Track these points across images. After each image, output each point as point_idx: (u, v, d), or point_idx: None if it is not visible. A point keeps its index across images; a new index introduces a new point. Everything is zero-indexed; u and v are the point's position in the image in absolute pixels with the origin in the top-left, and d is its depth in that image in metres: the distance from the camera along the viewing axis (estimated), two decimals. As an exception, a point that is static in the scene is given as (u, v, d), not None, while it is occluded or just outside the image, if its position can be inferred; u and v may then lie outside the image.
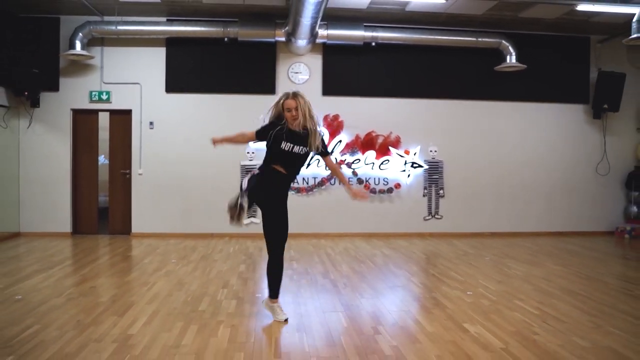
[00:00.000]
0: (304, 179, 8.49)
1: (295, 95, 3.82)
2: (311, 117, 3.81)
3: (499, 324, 3.96)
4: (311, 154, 3.92)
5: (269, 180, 3.85)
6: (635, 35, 6.73)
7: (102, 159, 9.28)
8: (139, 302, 4.49)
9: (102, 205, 8.93)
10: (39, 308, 4.28)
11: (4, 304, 4.39)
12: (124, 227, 8.53)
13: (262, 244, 7.56)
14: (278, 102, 3.87)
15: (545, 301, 4.64)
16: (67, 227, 8.39)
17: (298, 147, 3.80)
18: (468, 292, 4.94)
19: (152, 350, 3.36)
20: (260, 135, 3.91)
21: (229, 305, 4.44)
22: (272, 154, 3.84)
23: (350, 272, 5.84)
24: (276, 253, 3.96)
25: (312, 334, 3.71)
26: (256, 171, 3.92)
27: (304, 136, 3.81)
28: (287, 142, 3.77)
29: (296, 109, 3.77)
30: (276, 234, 3.93)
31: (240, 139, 4.15)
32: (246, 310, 4.33)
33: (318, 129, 3.89)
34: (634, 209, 8.97)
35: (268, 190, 3.87)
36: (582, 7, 7.06)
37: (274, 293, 4.06)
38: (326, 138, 8.52)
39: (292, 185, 4.39)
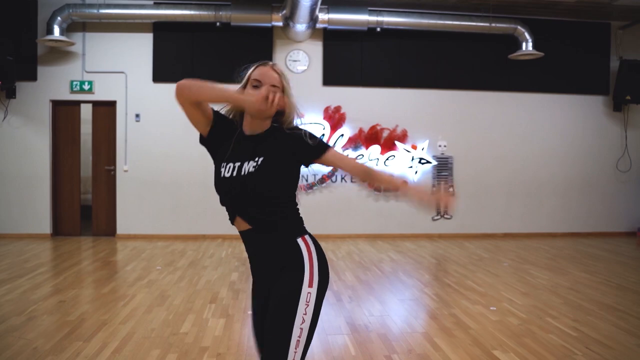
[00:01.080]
0: (302, 175, 7.88)
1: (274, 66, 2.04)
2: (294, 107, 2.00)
3: (535, 350, 3.34)
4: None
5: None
6: (669, 18, 6.11)
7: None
8: (112, 322, 3.87)
9: (85, 204, 8.32)
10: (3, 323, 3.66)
11: (-46, 324, 3.77)
12: (108, 228, 7.91)
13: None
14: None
15: (580, 319, 4.03)
16: (46, 228, 7.78)
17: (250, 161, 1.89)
18: (492, 308, 4.32)
19: (117, 390, 2.74)
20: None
21: (215, 326, 3.82)
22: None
23: (355, 282, 5.22)
24: None
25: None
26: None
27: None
28: (230, 161, 1.92)
29: (276, 85, 1.95)
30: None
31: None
32: (235, 333, 3.71)
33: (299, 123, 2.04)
34: (657, 208, 8.37)
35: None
36: (609, -13, 6.43)
37: None
38: (327, 132, 7.91)
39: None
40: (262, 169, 1.84)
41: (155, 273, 5.50)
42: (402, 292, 4.92)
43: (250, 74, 2.02)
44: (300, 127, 1.98)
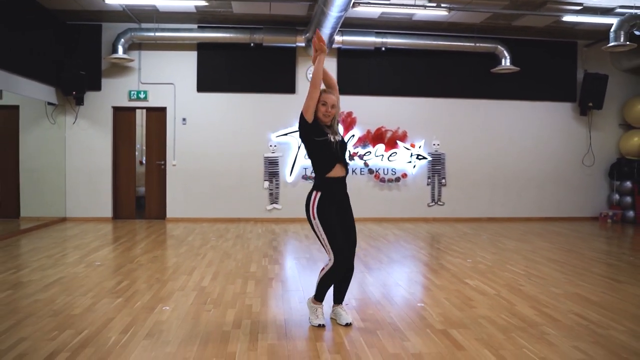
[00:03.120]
0: (320, 169, 9.48)
1: (332, 92, 3.59)
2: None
3: (493, 280, 4.98)
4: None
5: None
6: (613, 44, 7.74)
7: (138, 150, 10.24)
8: (200, 266, 5.50)
9: (138, 195, 9.90)
10: (120, 270, 5.29)
11: (89, 267, 5.38)
12: (159, 212, 9.53)
13: (285, 226, 8.64)
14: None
15: (530, 266, 5.66)
16: (108, 212, 9.38)
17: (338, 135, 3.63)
18: (468, 260, 5.96)
19: (225, 295, 4.37)
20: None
21: (273, 268, 5.45)
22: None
23: (367, 247, 6.85)
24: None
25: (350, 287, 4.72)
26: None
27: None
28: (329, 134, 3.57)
29: (333, 106, 3.52)
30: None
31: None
32: (289, 271, 5.34)
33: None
34: (616, 196, 10.00)
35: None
36: (567, 18, 8.06)
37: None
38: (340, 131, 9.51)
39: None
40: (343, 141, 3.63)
41: (212, 242, 7.12)
42: (403, 252, 6.55)
43: (320, 97, 3.53)
44: None
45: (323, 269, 3.59)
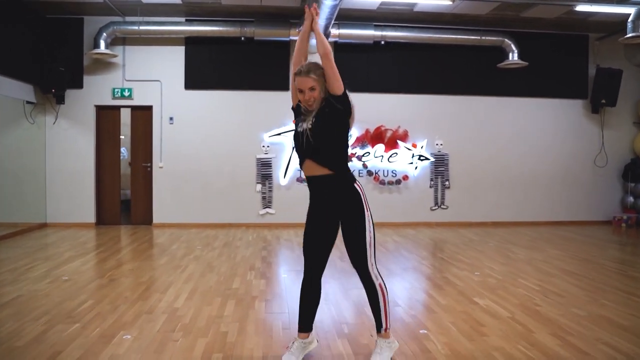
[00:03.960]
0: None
1: (308, 72, 2.87)
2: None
3: (505, 298, 4.41)
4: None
5: None
6: (630, 35, 7.16)
7: (124, 151, 9.68)
8: (177, 282, 4.94)
9: (123, 198, 9.35)
10: (87, 286, 4.73)
11: (54, 283, 4.83)
12: (145, 217, 8.98)
13: (278, 232, 8.08)
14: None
15: (545, 279, 5.09)
16: (91, 218, 8.83)
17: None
18: (476, 273, 5.39)
19: (199, 319, 3.81)
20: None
21: (259, 284, 4.89)
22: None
23: (365, 257, 6.27)
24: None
25: (339, 306, 4.16)
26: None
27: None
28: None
29: (312, 89, 2.84)
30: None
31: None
32: (276, 288, 4.78)
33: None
34: (631, 199, 9.41)
35: None
36: (580, 8, 7.47)
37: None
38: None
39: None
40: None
41: (197, 251, 6.57)
42: (404, 263, 5.98)
43: (293, 84, 2.88)
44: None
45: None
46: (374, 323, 3.04)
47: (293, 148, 2.95)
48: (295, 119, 2.98)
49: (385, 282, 2.98)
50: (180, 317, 3.85)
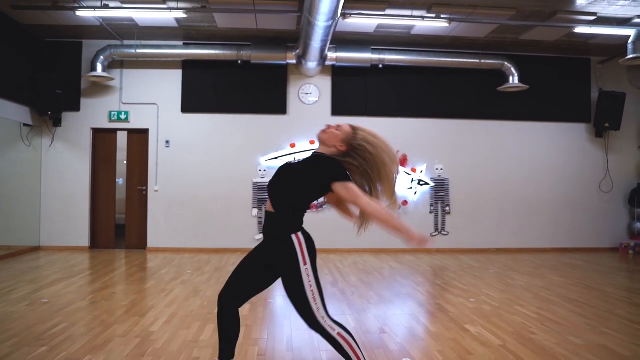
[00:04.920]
0: (313, 195, 8.73)
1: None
2: None
3: (499, 325, 4.17)
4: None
5: None
6: (631, 56, 7.03)
7: (120, 182, 9.59)
8: (158, 306, 4.76)
9: (118, 223, 9.21)
10: (65, 309, 4.56)
11: (32, 306, 4.67)
12: (139, 241, 8.83)
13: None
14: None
15: (544, 307, 4.85)
16: (85, 241, 8.69)
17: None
18: (471, 300, 5.16)
19: (172, 344, 3.62)
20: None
21: (242, 309, 4.66)
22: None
23: (359, 283, 6.07)
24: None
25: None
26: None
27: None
28: None
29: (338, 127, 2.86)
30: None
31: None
32: (259, 313, 4.58)
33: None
34: (638, 225, 9.13)
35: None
36: (579, 30, 7.37)
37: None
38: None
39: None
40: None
41: (186, 275, 6.39)
42: (398, 289, 5.75)
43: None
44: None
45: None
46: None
47: None
48: None
49: (345, 327, 2.68)
50: (153, 342, 3.67)
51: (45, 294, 5.16)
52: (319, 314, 2.60)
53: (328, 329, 2.61)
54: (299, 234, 2.64)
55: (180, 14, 7.03)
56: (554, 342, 3.74)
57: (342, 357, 2.66)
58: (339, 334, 2.63)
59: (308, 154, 2.72)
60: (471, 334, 3.94)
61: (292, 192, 2.66)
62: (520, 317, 4.45)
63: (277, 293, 5.54)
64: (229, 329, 2.81)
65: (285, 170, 2.73)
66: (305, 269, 2.60)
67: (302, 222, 2.71)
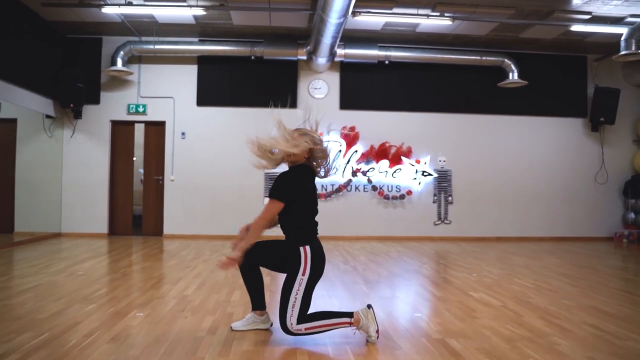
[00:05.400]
0: (322, 185, 9.17)
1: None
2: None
3: (499, 292, 4.60)
4: None
5: None
6: (624, 52, 7.46)
7: (141, 171, 9.96)
8: (187, 277, 5.18)
9: (135, 214, 9.61)
10: (102, 279, 4.99)
11: (71, 277, 5.09)
12: (156, 229, 9.25)
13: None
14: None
15: (540, 280, 5.27)
16: (104, 228, 9.11)
17: None
18: (473, 274, 5.58)
19: (207, 303, 4.05)
20: None
21: (265, 280, 5.10)
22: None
23: (368, 261, 6.49)
24: None
25: (340, 298, 4.37)
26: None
27: None
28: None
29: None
30: None
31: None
32: (279, 283, 4.99)
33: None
34: (632, 215, 9.56)
35: None
36: (575, 28, 7.80)
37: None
38: (343, 149, 9.25)
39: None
40: None
41: (206, 256, 6.81)
42: (405, 266, 6.18)
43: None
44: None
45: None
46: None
47: None
48: None
49: (313, 314, 3.07)
50: (189, 301, 4.09)
51: (79, 269, 5.58)
52: (290, 321, 3.01)
53: (295, 331, 3.03)
54: (307, 247, 3.09)
55: (200, 11, 7.45)
56: (549, 303, 4.17)
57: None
58: (306, 328, 3.02)
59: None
60: (474, 298, 4.37)
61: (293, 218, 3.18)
62: (519, 287, 4.88)
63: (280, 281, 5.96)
64: (253, 282, 3.35)
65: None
66: (300, 279, 3.05)
67: (312, 235, 3.19)
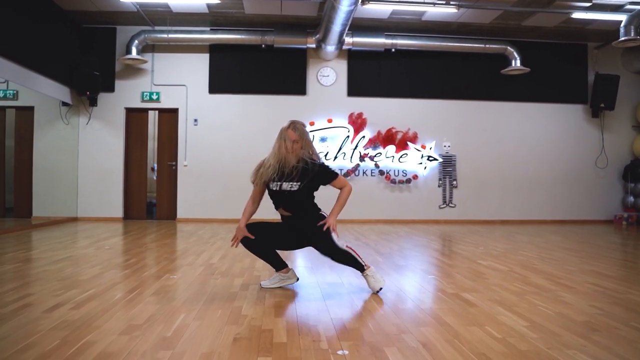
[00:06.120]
0: (330, 170, 9.41)
1: (295, 127, 3.47)
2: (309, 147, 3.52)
3: (506, 261, 4.89)
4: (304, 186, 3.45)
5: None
6: (623, 38, 7.72)
7: (154, 167, 10.19)
8: (209, 250, 5.47)
9: (149, 201, 9.88)
10: (128, 252, 5.28)
11: (99, 250, 5.37)
12: (169, 213, 9.53)
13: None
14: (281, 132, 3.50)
15: (544, 252, 5.56)
16: (119, 212, 9.40)
17: (287, 183, 3.44)
18: (480, 248, 5.87)
19: (233, 268, 4.33)
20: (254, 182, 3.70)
21: (282, 253, 5.39)
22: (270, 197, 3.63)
23: (379, 239, 6.78)
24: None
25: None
26: None
27: (297, 170, 3.42)
28: (275, 181, 3.49)
29: (297, 141, 3.42)
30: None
31: (253, 206, 3.80)
32: (297, 254, 5.29)
33: (316, 160, 3.49)
34: (631, 198, 9.85)
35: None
36: (577, 15, 8.06)
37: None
38: (351, 134, 9.51)
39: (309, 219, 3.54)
40: (297, 190, 3.44)
41: (223, 234, 7.10)
42: (415, 242, 6.47)
43: (284, 134, 3.46)
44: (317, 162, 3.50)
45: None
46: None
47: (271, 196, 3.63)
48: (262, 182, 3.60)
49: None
50: (216, 268, 4.38)
51: (105, 244, 5.87)
52: (338, 243, 3.49)
53: (345, 248, 3.51)
54: (322, 211, 3.63)
55: (214, 0, 7.71)
56: (553, 269, 4.45)
57: (354, 266, 3.53)
58: (347, 247, 3.53)
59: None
60: (483, 265, 4.65)
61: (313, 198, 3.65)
62: (524, 257, 5.16)
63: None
64: (265, 252, 3.65)
65: (300, 194, 3.48)
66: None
67: None
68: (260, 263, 4.55)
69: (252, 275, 4.03)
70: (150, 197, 9.95)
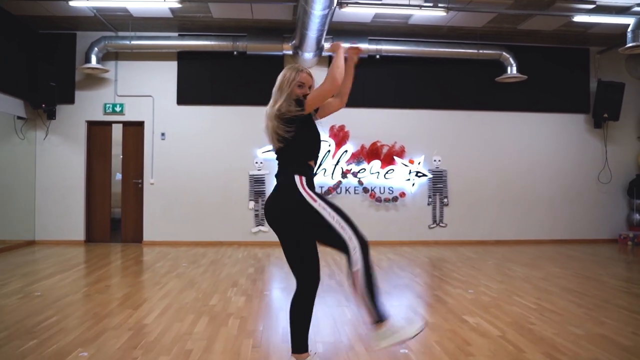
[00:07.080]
0: (310, 187, 8.67)
1: (307, 70, 2.97)
2: None
3: (498, 316, 4.12)
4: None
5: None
6: (631, 44, 6.96)
7: (118, 176, 9.49)
8: (152, 298, 4.70)
9: (114, 217, 9.14)
10: (58, 302, 4.50)
11: (25, 299, 4.61)
12: (135, 235, 8.76)
13: (271, 250, 7.82)
14: (291, 77, 2.90)
15: (543, 297, 4.80)
16: (80, 235, 8.63)
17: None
18: (469, 291, 5.10)
19: (166, 336, 3.56)
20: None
21: (238, 301, 4.64)
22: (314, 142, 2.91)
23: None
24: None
25: (318, 324, 3.88)
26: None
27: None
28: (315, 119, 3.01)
29: (311, 87, 2.90)
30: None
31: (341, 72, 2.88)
32: (255, 305, 4.53)
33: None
34: (637, 216, 9.10)
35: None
36: (578, 18, 7.29)
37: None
38: (332, 149, 8.75)
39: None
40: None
41: (182, 269, 6.33)
42: (395, 280, 5.70)
43: (295, 78, 2.88)
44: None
45: (353, 268, 2.80)
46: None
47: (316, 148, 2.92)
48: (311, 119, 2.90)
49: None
50: (145, 334, 3.61)
51: (38, 287, 5.10)
52: (352, 241, 2.76)
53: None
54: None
55: (175, 4, 6.93)
56: (554, 332, 3.69)
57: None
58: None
59: None
60: (469, 324, 3.89)
61: None
62: (519, 308, 4.40)
63: (274, 285, 5.51)
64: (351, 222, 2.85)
65: None
66: (321, 208, 2.75)
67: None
68: (202, 327, 3.78)
69: (182, 351, 3.25)
70: (115, 212, 9.18)
